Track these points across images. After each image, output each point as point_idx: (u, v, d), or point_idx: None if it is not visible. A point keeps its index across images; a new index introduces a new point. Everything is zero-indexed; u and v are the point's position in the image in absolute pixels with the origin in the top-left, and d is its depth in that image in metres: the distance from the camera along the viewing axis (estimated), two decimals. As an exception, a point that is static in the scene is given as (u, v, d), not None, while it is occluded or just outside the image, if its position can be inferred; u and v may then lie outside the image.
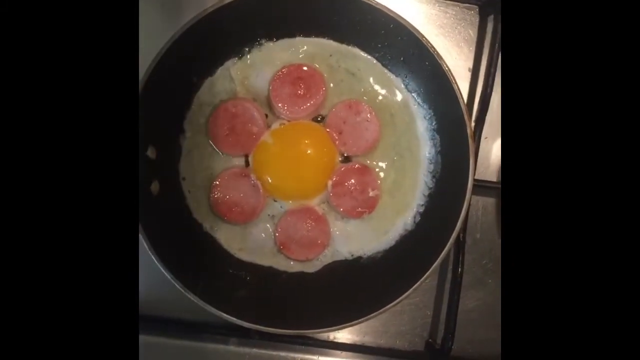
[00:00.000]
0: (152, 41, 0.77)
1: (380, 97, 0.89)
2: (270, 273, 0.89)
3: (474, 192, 0.79)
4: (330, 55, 0.88)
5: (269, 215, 0.89)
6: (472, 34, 0.96)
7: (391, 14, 0.79)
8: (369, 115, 0.87)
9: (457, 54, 0.95)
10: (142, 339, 0.90)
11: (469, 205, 0.79)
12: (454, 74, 0.79)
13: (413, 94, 0.89)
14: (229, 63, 0.88)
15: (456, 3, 0.96)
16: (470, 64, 0.96)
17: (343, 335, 0.95)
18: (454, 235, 0.78)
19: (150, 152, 0.81)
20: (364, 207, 0.88)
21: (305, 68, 0.87)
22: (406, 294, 0.78)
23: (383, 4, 0.79)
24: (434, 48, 0.79)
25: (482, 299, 0.96)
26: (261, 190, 0.86)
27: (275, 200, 0.89)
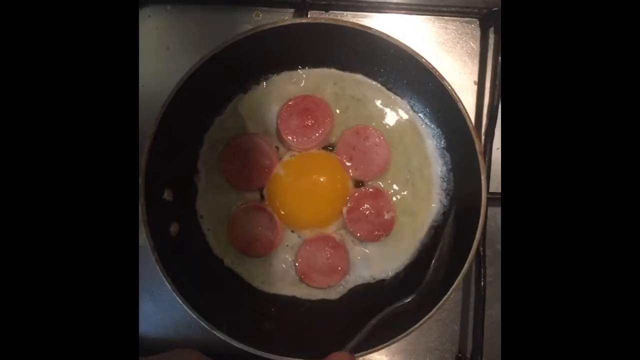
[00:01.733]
0: (159, 86, 0.79)
1: (387, 120, 0.90)
2: (293, 303, 0.90)
3: (490, 204, 0.79)
4: (335, 83, 0.89)
5: (287, 246, 0.90)
6: (475, 46, 0.96)
7: (390, 40, 0.78)
8: (377, 139, 0.88)
9: (461, 69, 0.95)
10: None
11: (485, 219, 0.79)
12: (459, 88, 0.79)
13: (420, 115, 0.89)
14: (235, 100, 0.89)
15: (456, 18, 0.96)
16: (475, 77, 0.95)
17: (372, 357, 0.95)
18: (473, 251, 0.78)
19: (167, 195, 0.83)
20: (380, 230, 0.88)
21: (310, 99, 0.88)
22: (431, 312, 0.78)
23: (381, 30, 0.79)
24: (434, 68, 0.78)
25: (508, 310, 0.95)
26: (278, 222, 0.88)
27: (292, 231, 0.90)
